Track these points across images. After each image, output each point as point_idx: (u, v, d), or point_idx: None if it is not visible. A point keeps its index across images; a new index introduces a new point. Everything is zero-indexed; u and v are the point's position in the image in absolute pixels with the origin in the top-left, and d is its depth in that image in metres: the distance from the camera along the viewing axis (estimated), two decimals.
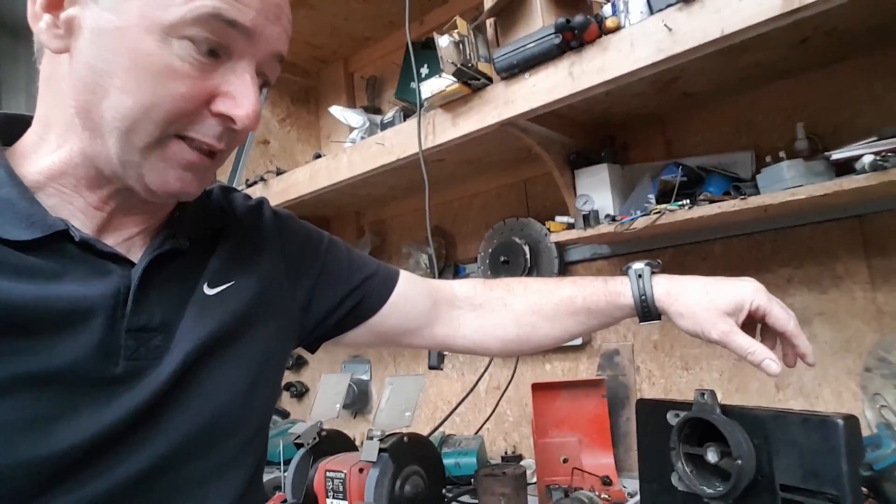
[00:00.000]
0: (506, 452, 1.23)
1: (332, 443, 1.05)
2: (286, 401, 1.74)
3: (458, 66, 0.89)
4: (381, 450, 0.89)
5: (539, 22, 0.89)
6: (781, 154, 0.83)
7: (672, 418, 0.67)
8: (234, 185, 1.40)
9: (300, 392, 1.71)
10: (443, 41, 0.89)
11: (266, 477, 1.16)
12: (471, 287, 0.69)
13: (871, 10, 0.72)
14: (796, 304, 0.95)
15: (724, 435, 0.62)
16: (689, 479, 0.65)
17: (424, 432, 1.13)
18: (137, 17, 0.40)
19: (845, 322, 0.91)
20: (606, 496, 0.91)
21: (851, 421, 0.57)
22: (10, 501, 0.37)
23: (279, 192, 1.32)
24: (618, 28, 0.79)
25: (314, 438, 1.02)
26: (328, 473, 0.93)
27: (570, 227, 1.01)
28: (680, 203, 0.87)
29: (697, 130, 1.05)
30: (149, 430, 0.43)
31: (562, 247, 1.18)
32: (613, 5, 0.81)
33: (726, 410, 0.64)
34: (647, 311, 0.61)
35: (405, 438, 0.92)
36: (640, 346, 1.12)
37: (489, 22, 0.99)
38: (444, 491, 0.99)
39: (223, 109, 0.43)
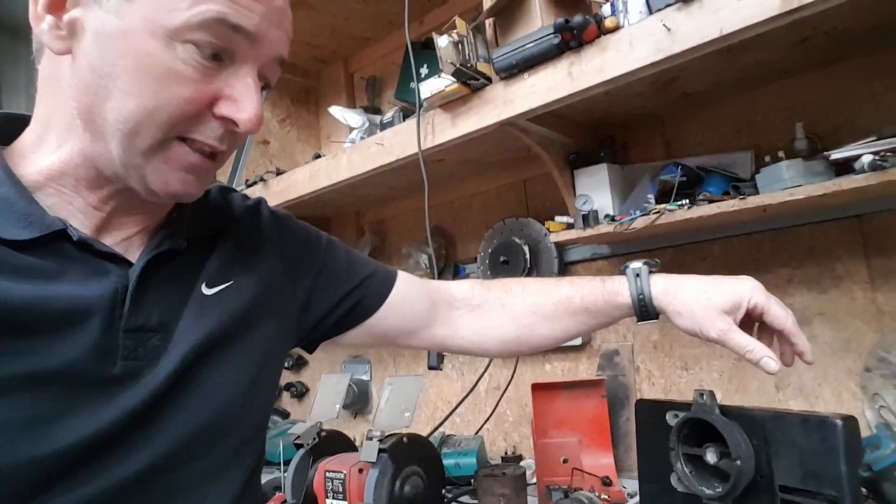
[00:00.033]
0: (506, 453, 1.23)
1: (332, 443, 1.05)
2: (286, 401, 1.74)
3: (458, 66, 0.90)
4: (380, 450, 0.89)
5: (538, 22, 0.89)
6: (781, 154, 0.83)
7: (671, 419, 0.67)
8: (234, 186, 1.40)
9: (300, 392, 1.71)
10: (442, 41, 0.89)
11: (266, 477, 1.16)
12: (469, 288, 0.69)
13: (871, 10, 0.72)
14: (796, 304, 0.95)
15: (723, 435, 0.62)
16: (688, 479, 0.65)
17: (424, 433, 1.13)
18: (142, 21, 0.40)
19: (845, 322, 0.91)
20: (606, 497, 0.91)
21: (850, 421, 0.57)
22: (10, 501, 0.38)
23: (279, 192, 1.32)
24: (617, 28, 0.79)
25: (314, 439, 1.02)
26: (328, 474, 0.94)
27: (570, 227, 1.01)
28: (679, 203, 0.87)
29: (697, 130, 1.05)
30: (147, 430, 0.43)
31: (561, 247, 1.18)
32: (612, 5, 0.81)
33: (725, 411, 0.64)
34: (644, 310, 0.61)
35: (404, 439, 0.92)
36: (639, 346, 1.12)
37: (488, 22, 0.99)
38: (443, 491, 0.99)
39: (226, 113, 0.43)
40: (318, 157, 1.28)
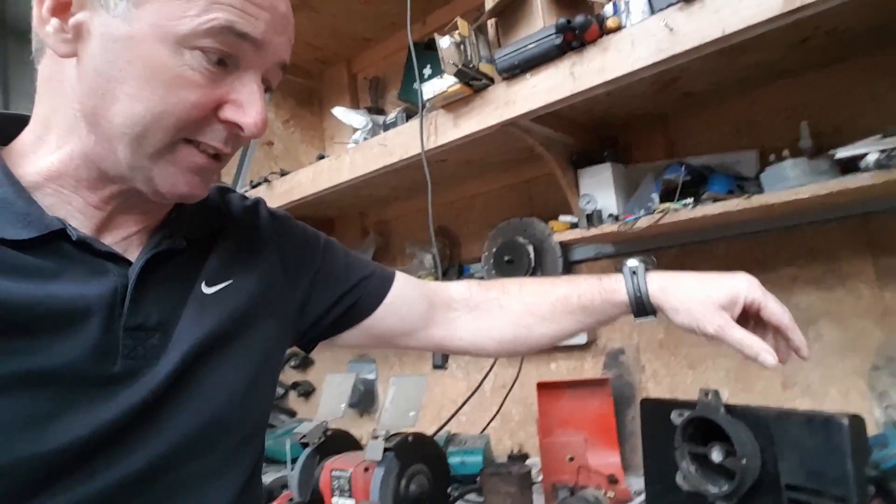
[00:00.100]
0: (512, 451, 1.24)
1: (338, 442, 1.06)
2: (293, 400, 1.75)
3: (460, 66, 0.90)
4: (385, 449, 0.89)
5: (540, 22, 0.89)
6: (785, 153, 0.82)
7: (676, 418, 0.67)
8: (238, 187, 1.41)
9: (307, 391, 1.72)
10: (444, 42, 0.89)
11: (273, 476, 1.18)
12: (466, 289, 0.69)
13: (872, 10, 0.71)
14: (802, 303, 0.95)
15: (729, 434, 0.62)
16: (693, 478, 0.65)
17: (430, 431, 1.13)
18: (150, 27, 0.41)
19: (851, 321, 0.91)
20: (612, 495, 0.91)
21: (856, 420, 0.57)
22: (9, 499, 0.38)
23: (283, 193, 1.33)
24: (618, 28, 0.79)
25: (320, 438, 1.03)
26: (334, 472, 0.94)
27: (574, 226, 1.01)
28: (683, 202, 0.87)
29: (699, 130, 1.05)
30: (147, 429, 0.43)
31: (566, 246, 1.18)
32: (614, 5, 0.81)
33: (730, 410, 0.64)
34: (642, 307, 0.61)
35: (410, 438, 0.93)
36: (645, 345, 1.12)
37: (490, 22, 0.99)
38: (449, 489, 1.00)
39: (231, 117, 0.44)
40: (321, 158, 1.29)
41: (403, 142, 1.07)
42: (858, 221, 0.89)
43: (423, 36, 1.35)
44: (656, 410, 0.71)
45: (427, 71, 1.20)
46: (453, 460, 1.10)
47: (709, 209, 0.84)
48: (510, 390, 1.24)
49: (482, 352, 0.70)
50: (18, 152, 0.46)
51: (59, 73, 0.44)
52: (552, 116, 0.94)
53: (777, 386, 0.97)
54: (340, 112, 1.31)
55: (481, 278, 1.28)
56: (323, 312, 0.61)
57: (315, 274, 0.61)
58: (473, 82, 0.94)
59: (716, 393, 0.65)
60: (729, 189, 0.89)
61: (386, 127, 1.20)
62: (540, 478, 1.04)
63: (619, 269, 0.64)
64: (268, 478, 1.16)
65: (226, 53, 0.42)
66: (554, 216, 1.06)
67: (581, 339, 1.16)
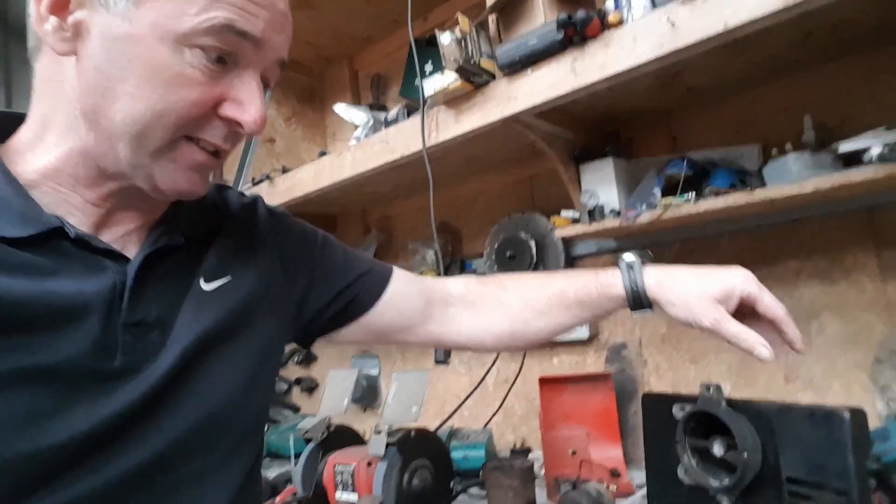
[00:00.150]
0: (514, 446, 1.24)
1: (341, 437, 1.07)
2: (296, 395, 1.76)
3: (461, 62, 0.90)
4: (388, 444, 0.90)
5: (541, 18, 0.89)
6: (788, 147, 0.82)
7: (678, 412, 0.68)
8: (240, 184, 1.41)
9: (310, 387, 1.73)
10: (445, 38, 0.89)
11: (277, 471, 1.19)
12: (464, 284, 0.70)
13: (876, 5, 0.71)
14: (805, 296, 0.95)
15: (730, 428, 0.62)
16: (695, 471, 0.65)
17: (433, 426, 1.14)
18: (150, 26, 0.41)
19: (855, 314, 0.91)
20: (614, 488, 0.92)
21: (858, 414, 0.57)
22: (9, 495, 0.38)
23: (285, 190, 1.33)
24: (620, 23, 0.79)
25: (323, 433, 1.04)
26: (337, 467, 0.95)
27: (576, 221, 1.01)
28: (686, 197, 0.86)
29: (702, 126, 1.05)
30: (147, 425, 0.43)
31: (568, 241, 1.18)
32: (616, 0, 0.81)
33: (732, 404, 0.64)
34: (638, 300, 0.61)
35: (412, 433, 0.94)
36: (647, 339, 1.12)
37: (491, 18, 0.99)
38: (452, 484, 1.01)
39: (231, 115, 0.44)
40: (323, 155, 1.29)
41: (405, 138, 1.07)
42: (862, 215, 0.89)
43: (425, 32, 1.35)
44: (658, 404, 0.71)
45: (428, 67, 1.20)
46: (456, 455, 1.11)
47: (711, 204, 0.84)
48: (513, 385, 1.25)
49: (480, 347, 0.71)
50: (15, 150, 0.46)
51: (57, 71, 0.44)
52: (554, 112, 0.94)
53: (780, 380, 0.97)
54: (342, 109, 1.31)
55: (483, 274, 1.28)
56: (321, 308, 0.62)
57: (313, 270, 0.61)
58: (475, 78, 0.94)
59: (717, 387, 0.65)
60: (731, 183, 0.89)
61: (387, 124, 1.21)
62: (542, 472, 1.05)
63: (614, 263, 0.64)
64: (271, 472, 1.17)
65: (225, 52, 0.43)
66: (556, 211, 1.06)
67: (583, 333, 1.16)
